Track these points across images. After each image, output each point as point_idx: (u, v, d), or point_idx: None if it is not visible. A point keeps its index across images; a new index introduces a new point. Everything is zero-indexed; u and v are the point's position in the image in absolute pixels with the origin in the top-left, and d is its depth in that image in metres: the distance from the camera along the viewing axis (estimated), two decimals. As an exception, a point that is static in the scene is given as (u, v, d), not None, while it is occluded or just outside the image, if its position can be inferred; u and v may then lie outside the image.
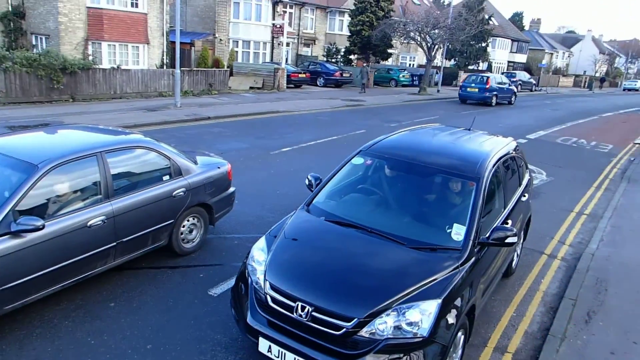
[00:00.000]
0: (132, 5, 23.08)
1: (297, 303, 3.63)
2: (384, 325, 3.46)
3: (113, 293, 5.00)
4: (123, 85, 19.84)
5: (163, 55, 25.09)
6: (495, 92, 28.32)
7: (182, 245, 5.89)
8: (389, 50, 36.92)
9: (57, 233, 4.36)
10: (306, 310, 3.57)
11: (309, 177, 5.21)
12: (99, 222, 4.71)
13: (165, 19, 24.83)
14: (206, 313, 4.75)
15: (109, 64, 21.74)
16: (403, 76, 37.66)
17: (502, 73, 43.30)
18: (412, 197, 4.86)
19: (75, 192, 4.77)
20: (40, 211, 4.31)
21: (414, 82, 37.20)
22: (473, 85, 28.42)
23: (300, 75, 30.44)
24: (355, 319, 3.46)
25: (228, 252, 6.15)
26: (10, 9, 23.52)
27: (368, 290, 3.69)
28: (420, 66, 43.84)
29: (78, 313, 4.60)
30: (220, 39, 31.53)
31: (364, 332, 3.46)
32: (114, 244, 4.92)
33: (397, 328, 3.45)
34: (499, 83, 29.64)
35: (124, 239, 5.02)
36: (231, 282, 4.44)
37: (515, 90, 31.92)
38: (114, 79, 19.52)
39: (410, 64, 47.05)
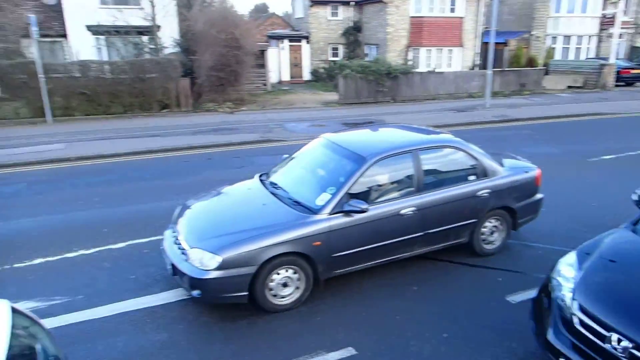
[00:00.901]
0: (450, 10, 24.08)
1: (611, 333, 3.22)
2: None
3: (416, 278, 5.48)
4: (436, 87, 21.04)
5: (475, 57, 25.31)
6: None
7: (482, 246, 5.96)
8: None
9: (377, 217, 5.07)
10: (623, 344, 3.14)
11: (637, 191, 4.49)
12: (409, 212, 5.24)
13: (480, 20, 24.92)
14: (502, 318, 4.71)
15: (426, 68, 23.32)
16: None
17: None
18: None
19: (392, 183, 5.42)
20: (364, 196, 5.08)
21: None
22: None
23: (633, 71, 25.75)
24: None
25: (530, 261, 5.88)
26: (351, 24, 28.00)
27: None
28: None
29: (387, 290, 5.26)
30: (537, 36, 29.50)
31: None
32: (421, 233, 5.38)
33: None
34: None
35: (430, 231, 5.43)
36: (532, 293, 4.27)
37: None
38: (429, 82, 20.90)
39: None
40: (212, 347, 4.31)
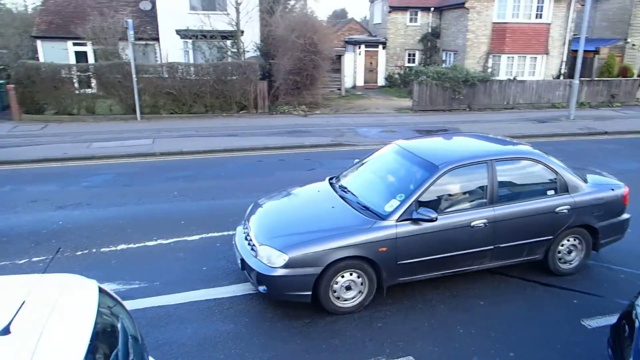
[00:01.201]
0: (536, 16, 22.94)
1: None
2: None
3: (483, 293, 5.30)
4: (516, 96, 20.17)
5: (561, 65, 23.93)
6: None
7: (557, 265, 5.65)
8: None
9: (445, 227, 4.96)
10: None
11: None
12: (480, 225, 5.08)
13: (569, 27, 23.52)
14: (575, 343, 4.44)
15: (505, 76, 22.39)
16: None
17: None
18: None
19: (464, 193, 5.30)
20: (434, 205, 4.99)
21: None
22: None
23: None
24: None
25: (611, 285, 5.49)
26: (429, 30, 27.54)
27: None
28: None
29: (452, 302, 5.14)
30: (633, 44, 27.29)
31: None
32: (491, 247, 5.20)
33: None
34: None
35: (501, 245, 5.23)
36: (611, 319, 3.99)
37: None
38: (508, 90, 20.07)
39: None
40: (273, 342, 4.44)
